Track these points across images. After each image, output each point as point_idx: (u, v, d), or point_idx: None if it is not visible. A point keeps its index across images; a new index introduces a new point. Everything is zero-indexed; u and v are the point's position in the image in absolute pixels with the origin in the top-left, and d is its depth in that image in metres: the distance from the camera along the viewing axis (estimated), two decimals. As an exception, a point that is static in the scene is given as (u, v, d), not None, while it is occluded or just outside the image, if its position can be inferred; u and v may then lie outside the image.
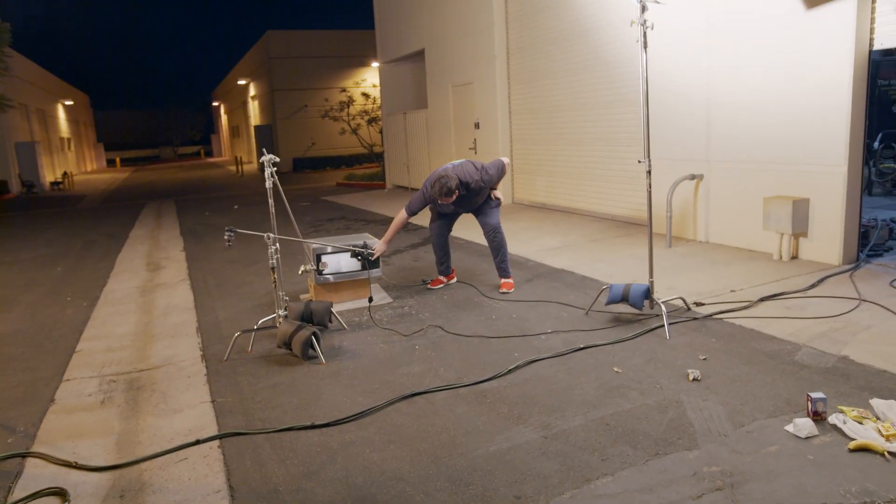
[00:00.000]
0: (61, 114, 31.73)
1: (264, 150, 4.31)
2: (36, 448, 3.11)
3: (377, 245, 5.08)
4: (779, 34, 5.67)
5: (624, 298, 4.28)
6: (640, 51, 4.02)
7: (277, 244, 4.13)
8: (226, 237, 3.96)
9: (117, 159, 43.63)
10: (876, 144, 9.15)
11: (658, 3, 4.16)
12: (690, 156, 6.67)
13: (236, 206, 13.60)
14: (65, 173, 23.74)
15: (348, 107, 20.64)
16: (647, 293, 4.26)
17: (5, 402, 3.71)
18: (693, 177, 6.61)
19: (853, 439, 2.64)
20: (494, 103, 10.49)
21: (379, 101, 17.14)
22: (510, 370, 3.64)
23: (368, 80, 24.31)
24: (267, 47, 26.46)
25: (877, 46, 5.20)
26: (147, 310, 5.56)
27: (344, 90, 23.85)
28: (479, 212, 5.39)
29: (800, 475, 2.46)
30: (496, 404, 3.25)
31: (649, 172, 4.21)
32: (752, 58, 5.93)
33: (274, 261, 4.13)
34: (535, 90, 9.69)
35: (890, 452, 2.53)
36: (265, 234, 4.08)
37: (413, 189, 14.04)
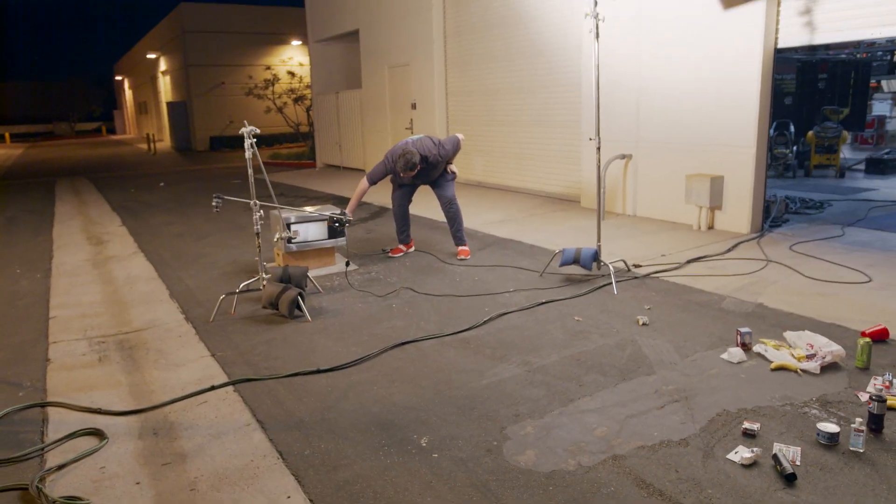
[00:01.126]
0: (-57, 83, 29.01)
1: (245, 122, 4.50)
2: (50, 399, 3.26)
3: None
4: (700, 31, 6.39)
5: (576, 260, 4.83)
6: (592, 41, 4.54)
7: (262, 211, 4.37)
8: (213, 203, 4.16)
9: (6, 134, 40.38)
10: (771, 132, 10.29)
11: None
12: (622, 137, 7.35)
13: (162, 184, 13.24)
14: (-46, 148, 21.89)
15: (273, 85, 20.27)
16: (596, 255, 4.84)
17: (-3, 363, 3.77)
18: (623, 156, 7.31)
19: (773, 362, 3.29)
20: (431, 85, 10.86)
21: (306, 80, 17.02)
22: (485, 321, 4.10)
23: (295, 59, 23.90)
24: (181, 20, 25.33)
25: (780, 45, 6.01)
26: (108, 280, 5.58)
27: (269, 68, 23.32)
28: (435, 184, 5.80)
29: (736, 389, 3.07)
30: (480, 348, 3.70)
31: (599, 149, 4.76)
32: (677, 51, 6.64)
33: (258, 227, 4.36)
34: (473, 73, 10.14)
35: (801, 370, 3.20)
36: (251, 201, 4.30)
37: (346, 168, 14.20)
